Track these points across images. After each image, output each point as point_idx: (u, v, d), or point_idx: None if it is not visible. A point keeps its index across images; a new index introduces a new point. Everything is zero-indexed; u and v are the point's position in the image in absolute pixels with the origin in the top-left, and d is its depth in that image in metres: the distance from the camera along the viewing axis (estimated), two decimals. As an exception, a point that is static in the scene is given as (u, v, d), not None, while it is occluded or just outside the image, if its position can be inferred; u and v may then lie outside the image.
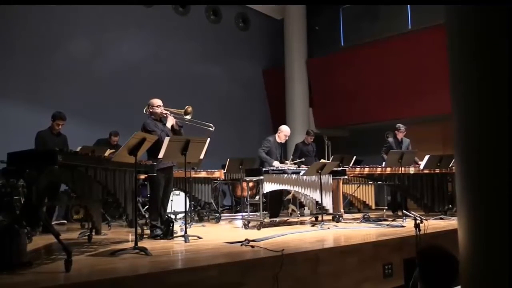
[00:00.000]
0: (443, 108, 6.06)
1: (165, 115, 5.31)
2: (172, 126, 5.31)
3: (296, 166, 6.69)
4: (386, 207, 8.37)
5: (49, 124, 6.04)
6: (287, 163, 6.79)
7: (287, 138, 6.92)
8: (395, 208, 7.74)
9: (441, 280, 2.25)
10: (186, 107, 5.41)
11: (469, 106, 2.14)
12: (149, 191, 5.68)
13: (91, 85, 8.53)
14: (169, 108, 5.41)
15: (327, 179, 6.52)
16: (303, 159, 7.19)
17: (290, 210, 7.34)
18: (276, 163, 6.51)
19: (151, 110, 5.33)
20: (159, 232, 5.00)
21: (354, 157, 8.23)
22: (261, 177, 5.97)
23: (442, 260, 2.26)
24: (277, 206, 6.92)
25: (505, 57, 1.95)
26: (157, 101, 5.35)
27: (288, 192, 6.77)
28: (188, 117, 5.38)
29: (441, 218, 6.59)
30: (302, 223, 6.53)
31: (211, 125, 5.44)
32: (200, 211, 7.78)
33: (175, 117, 5.36)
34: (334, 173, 6.69)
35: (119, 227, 6.49)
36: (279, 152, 6.85)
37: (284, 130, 6.87)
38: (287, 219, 6.70)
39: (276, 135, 6.88)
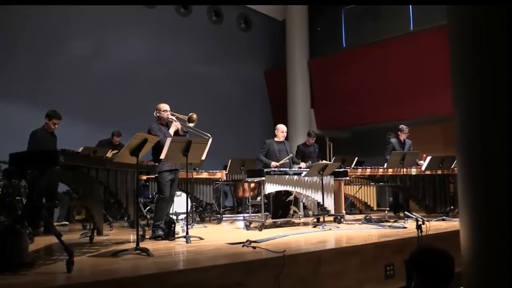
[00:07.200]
0: (444, 109, 6.05)
1: (170, 120, 5.30)
2: (177, 132, 5.29)
3: (287, 161, 6.69)
4: (387, 208, 8.36)
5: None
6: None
7: (284, 134, 6.95)
8: (396, 209, 7.73)
9: (440, 277, 2.20)
10: (190, 114, 5.32)
11: (471, 106, 2.14)
12: (155, 191, 5.65)
13: (92, 85, 8.54)
14: (175, 113, 5.37)
15: (328, 180, 6.52)
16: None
17: (291, 211, 7.34)
18: (273, 163, 6.60)
19: (158, 114, 5.33)
20: (160, 232, 5.01)
21: (356, 158, 8.21)
22: (263, 178, 5.98)
23: (436, 259, 2.21)
24: (280, 208, 6.95)
25: (505, 57, 1.95)
26: (164, 106, 5.34)
27: (289, 193, 6.77)
28: (191, 124, 5.31)
29: (443, 219, 6.58)
30: (304, 224, 6.53)
31: (209, 135, 5.26)
32: (201, 212, 7.79)
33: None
34: (335, 174, 6.69)
35: (120, 228, 6.50)
36: (285, 149, 6.87)
37: (280, 128, 6.97)
38: (289, 220, 6.70)
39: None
